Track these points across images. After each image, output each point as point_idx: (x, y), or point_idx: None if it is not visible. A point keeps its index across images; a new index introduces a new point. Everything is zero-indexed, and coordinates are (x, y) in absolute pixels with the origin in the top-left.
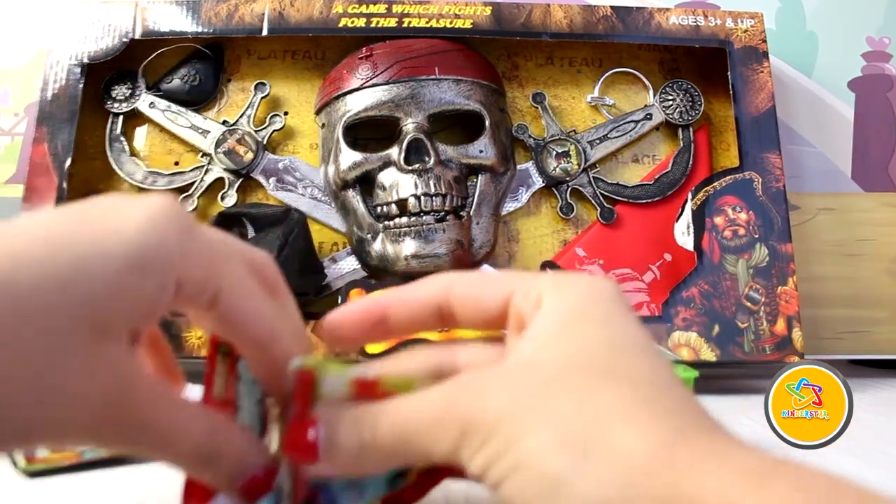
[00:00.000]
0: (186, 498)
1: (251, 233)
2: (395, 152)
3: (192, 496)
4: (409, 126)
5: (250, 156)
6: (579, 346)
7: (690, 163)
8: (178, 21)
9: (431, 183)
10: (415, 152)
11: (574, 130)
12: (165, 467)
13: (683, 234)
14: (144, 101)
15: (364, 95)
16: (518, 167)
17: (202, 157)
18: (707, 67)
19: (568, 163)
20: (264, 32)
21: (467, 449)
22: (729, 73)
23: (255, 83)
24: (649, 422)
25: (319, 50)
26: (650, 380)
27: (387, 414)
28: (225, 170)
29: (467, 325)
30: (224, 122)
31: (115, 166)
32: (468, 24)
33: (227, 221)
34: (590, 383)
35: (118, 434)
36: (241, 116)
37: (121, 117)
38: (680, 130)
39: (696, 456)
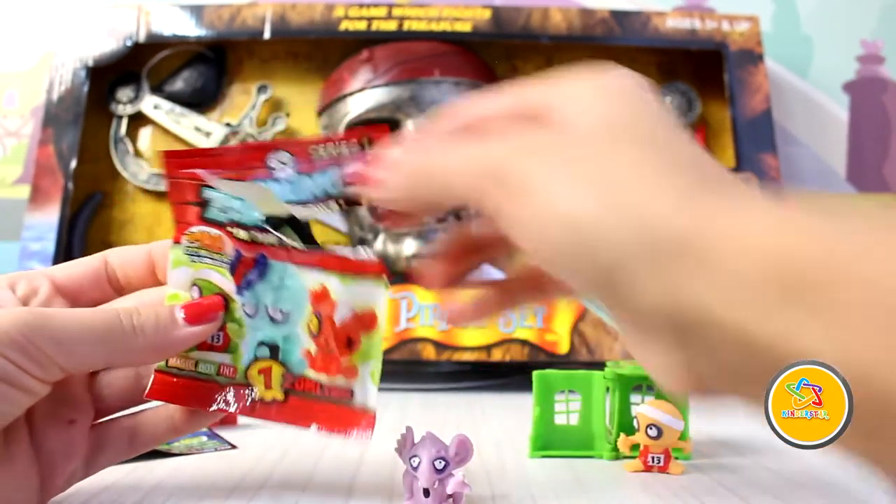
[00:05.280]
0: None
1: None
2: None
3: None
4: (410, 127)
5: None
6: (602, 119)
7: None
8: (182, 24)
9: None
10: None
11: None
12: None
13: None
14: (148, 103)
15: (365, 97)
16: None
17: None
18: (703, 70)
19: None
20: (266, 35)
21: (495, 198)
22: (725, 75)
23: (258, 85)
24: (670, 186)
25: (321, 52)
26: (669, 143)
27: (434, 155)
28: None
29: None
30: (227, 124)
31: (119, 167)
32: (468, 27)
33: None
34: (613, 147)
35: None
36: (243, 118)
37: (125, 119)
38: None
39: (710, 204)
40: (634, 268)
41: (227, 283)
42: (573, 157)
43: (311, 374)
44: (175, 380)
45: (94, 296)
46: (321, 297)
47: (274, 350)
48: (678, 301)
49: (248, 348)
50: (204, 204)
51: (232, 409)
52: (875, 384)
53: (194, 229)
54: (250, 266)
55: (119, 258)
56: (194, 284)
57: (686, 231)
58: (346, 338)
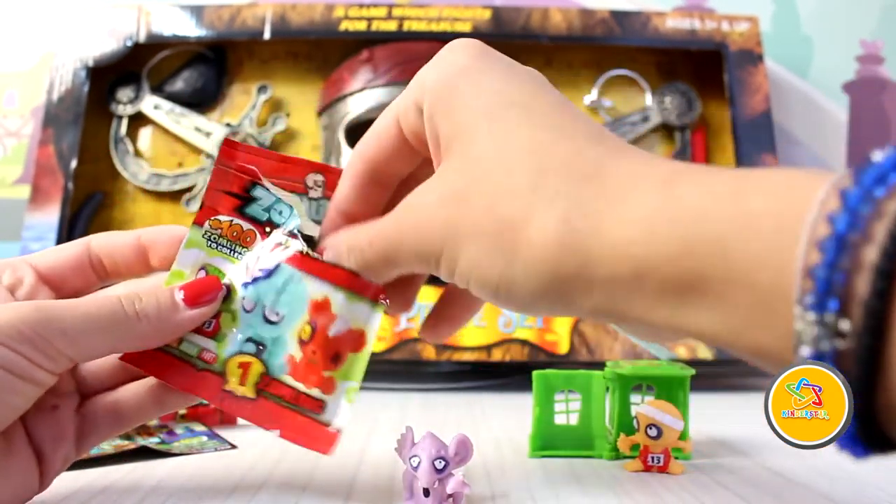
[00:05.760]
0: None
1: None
2: None
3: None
4: None
5: None
6: (482, 148)
7: None
8: (182, 25)
9: None
10: None
11: None
12: (169, 465)
13: None
14: (148, 104)
15: (365, 97)
16: None
17: (206, 158)
18: (703, 70)
19: None
20: (266, 35)
21: (428, 267)
22: (725, 75)
23: (258, 85)
24: (553, 200)
25: (321, 52)
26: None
27: (363, 237)
28: None
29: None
30: (227, 124)
31: (119, 167)
32: (468, 27)
33: None
34: (498, 183)
35: None
36: (243, 118)
37: (125, 119)
38: (677, 132)
39: (614, 155)
40: (547, 299)
41: (236, 275)
42: (471, 228)
43: (289, 380)
44: (154, 351)
45: (78, 284)
46: (321, 307)
47: (260, 348)
48: (595, 303)
49: (236, 341)
50: (248, 200)
51: (200, 395)
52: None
53: (223, 218)
54: (263, 268)
55: (105, 244)
56: (203, 268)
57: (581, 242)
58: (335, 352)
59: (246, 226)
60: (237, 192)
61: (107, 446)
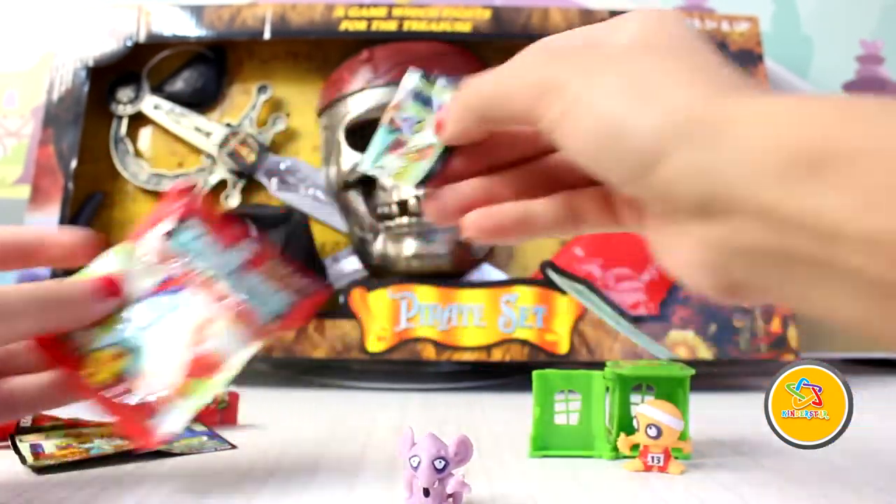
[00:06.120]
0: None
1: (254, 233)
2: None
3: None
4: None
5: (253, 157)
6: (637, 36)
7: None
8: (182, 24)
9: None
10: None
11: None
12: (169, 464)
13: None
14: (148, 104)
15: (365, 97)
16: None
17: (206, 158)
18: None
19: None
20: (266, 35)
21: (541, 106)
22: None
23: (258, 85)
24: (698, 83)
25: (321, 52)
26: (697, 52)
27: (480, 82)
28: (228, 171)
29: None
30: (227, 124)
31: (119, 167)
32: (468, 27)
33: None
34: (647, 57)
35: None
36: (243, 118)
37: (125, 119)
38: None
39: (736, 95)
40: (666, 151)
41: (143, 287)
42: (611, 68)
43: (138, 382)
44: (56, 338)
45: None
46: (201, 328)
47: (127, 350)
48: (708, 182)
49: (109, 338)
50: (174, 232)
51: (61, 374)
52: None
53: (153, 243)
54: (168, 287)
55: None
56: (120, 274)
57: (714, 116)
58: (194, 368)
59: (169, 251)
60: (168, 227)
61: (107, 446)
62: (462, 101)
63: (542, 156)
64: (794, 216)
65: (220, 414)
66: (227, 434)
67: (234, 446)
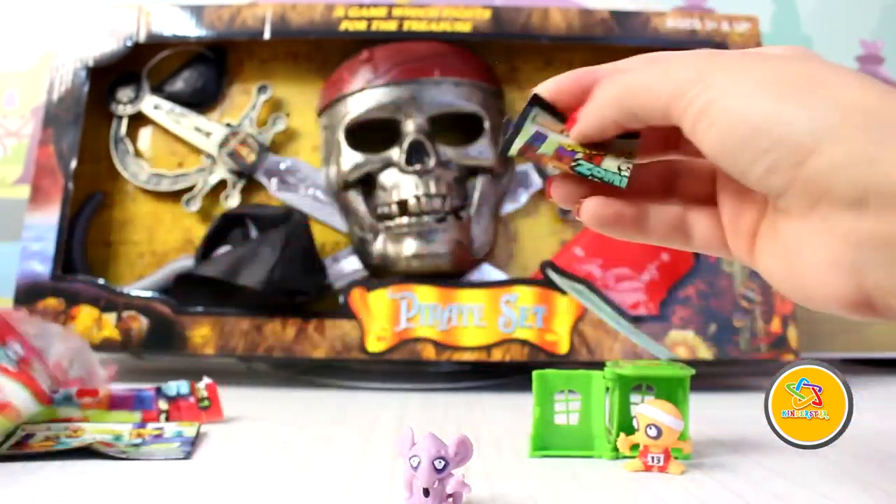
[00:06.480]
0: None
1: (254, 233)
2: (396, 153)
3: None
4: (410, 128)
5: (253, 157)
6: (790, 51)
7: None
8: (182, 25)
9: (432, 184)
10: (416, 154)
11: None
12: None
13: None
14: (148, 104)
15: (365, 97)
16: (517, 169)
17: (206, 158)
18: None
19: None
20: (266, 35)
21: (683, 100)
22: None
23: (258, 85)
24: (868, 85)
25: (321, 53)
26: (853, 74)
27: (617, 80)
28: (228, 171)
29: None
30: (227, 124)
31: (119, 167)
32: (468, 27)
33: (230, 222)
34: (803, 62)
35: None
36: (243, 118)
37: (125, 119)
38: None
39: None
40: (821, 143)
41: None
42: (758, 65)
43: None
44: None
45: None
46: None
47: None
48: (869, 174)
49: None
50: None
51: None
52: None
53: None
54: None
55: None
56: None
57: (889, 112)
58: None
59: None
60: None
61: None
62: (603, 96)
63: (667, 163)
64: None
65: (204, 414)
66: (224, 431)
67: (188, 457)
